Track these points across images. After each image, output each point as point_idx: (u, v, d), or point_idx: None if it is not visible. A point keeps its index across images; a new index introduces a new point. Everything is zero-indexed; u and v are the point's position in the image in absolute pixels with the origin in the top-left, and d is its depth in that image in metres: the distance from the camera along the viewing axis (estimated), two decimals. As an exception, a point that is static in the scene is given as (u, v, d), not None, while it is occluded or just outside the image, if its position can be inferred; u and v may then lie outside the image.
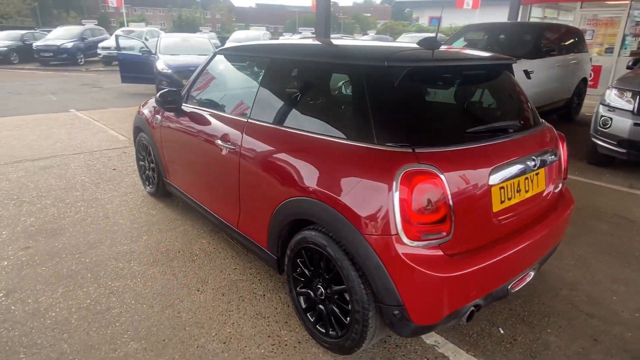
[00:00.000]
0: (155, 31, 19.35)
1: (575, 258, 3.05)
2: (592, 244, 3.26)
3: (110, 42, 16.97)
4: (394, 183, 1.66)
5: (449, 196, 1.71)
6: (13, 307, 2.37)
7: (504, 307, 2.49)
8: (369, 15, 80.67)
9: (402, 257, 1.67)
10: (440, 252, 1.73)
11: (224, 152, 2.56)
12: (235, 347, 2.12)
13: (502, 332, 2.28)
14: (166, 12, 58.70)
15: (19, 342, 2.11)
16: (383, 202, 1.68)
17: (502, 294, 2.00)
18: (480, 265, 1.80)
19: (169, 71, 10.25)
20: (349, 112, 1.98)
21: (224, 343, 2.14)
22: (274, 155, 2.22)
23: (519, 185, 2.01)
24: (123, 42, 11.85)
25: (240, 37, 18.47)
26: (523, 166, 1.98)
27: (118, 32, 18.20)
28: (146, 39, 16.32)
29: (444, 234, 1.71)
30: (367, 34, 27.93)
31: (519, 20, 11.56)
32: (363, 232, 1.74)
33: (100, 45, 17.55)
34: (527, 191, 2.07)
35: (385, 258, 1.70)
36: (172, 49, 11.39)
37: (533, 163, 2.02)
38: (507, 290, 2.00)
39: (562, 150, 2.40)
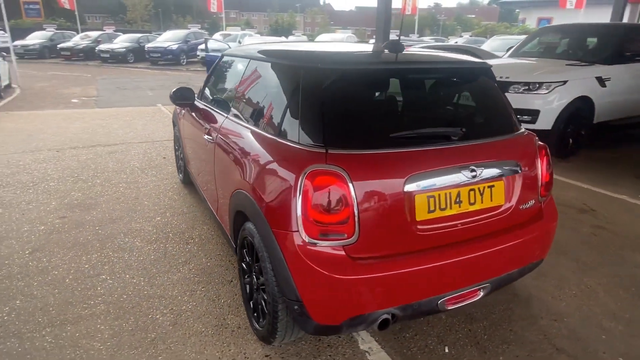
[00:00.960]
0: (250, 35, 20.73)
1: (580, 288, 2.71)
2: (612, 275, 2.86)
3: (210, 44, 18.67)
4: (299, 181, 1.71)
5: (354, 199, 1.70)
6: (30, 263, 2.86)
7: (463, 326, 2.34)
8: (472, 16, 76.75)
9: (300, 253, 1.71)
10: (343, 254, 1.73)
11: (207, 146, 2.79)
12: (183, 323, 2.32)
13: (447, 350, 2.16)
14: (271, 16, 62.33)
15: (21, 291, 2.55)
16: (288, 199, 1.74)
17: (429, 309, 1.91)
18: (389, 273, 1.76)
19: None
20: (285, 112, 2.06)
21: (174, 318, 2.35)
22: (230, 149, 2.39)
23: (458, 196, 1.90)
24: (213, 45, 12.97)
25: (324, 39, 19.00)
26: (457, 176, 1.86)
27: (216, 35, 19.90)
28: (239, 42, 17.61)
29: (345, 235, 1.71)
30: (461, 36, 26.62)
31: (625, 21, 10.19)
32: (272, 226, 1.81)
33: (199, 47, 19.34)
34: (472, 203, 1.94)
35: (286, 253, 1.76)
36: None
37: (473, 174, 1.89)
38: (437, 305, 1.90)
39: (541, 164, 2.18)
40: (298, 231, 1.72)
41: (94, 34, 22.22)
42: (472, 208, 1.95)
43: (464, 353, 2.15)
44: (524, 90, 5.42)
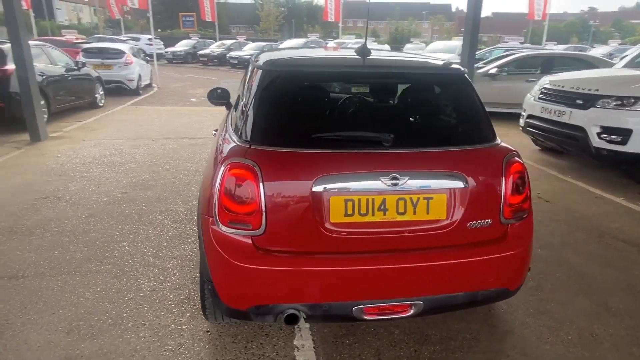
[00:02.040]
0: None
1: (581, 335, 2.32)
2: (636, 328, 2.37)
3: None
4: (220, 171, 1.87)
5: (262, 192, 1.79)
6: (80, 225, 3.51)
7: (411, 345, 2.22)
8: (637, 22, 65.60)
9: (213, 238, 1.87)
10: (250, 243, 1.83)
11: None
12: (159, 290, 2.64)
13: (379, 365, 2.09)
14: (391, 24, 62.07)
15: (63, 244, 3.18)
16: (212, 187, 1.91)
17: (343, 314, 1.89)
18: (295, 268, 1.81)
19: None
20: (238, 111, 2.21)
21: (155, 285, 2.69)
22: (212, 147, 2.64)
23: (383, 203, 1.84)
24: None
25: (438, 47, 18.35)
26: (375, 182, 1.81)
27: (330, 43, 20.73)
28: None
29: (251, 226, 1.81)
30: (608, 45, 23.03)
31: None
32: (201, 212, 2.00)
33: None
34: (400, 213, 1.86)
35: (205, 236, 1.93)
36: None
37: (394, 182, 1.81)
38: (352, 311, 1.87)
39: (506, 183, 1.96)
40: (214, 217, 1.87)
41: (228, 42, 25.02)
42: (401, 218, 1.87)
43: (395, 371, 2.05)
44: (615, 105, 4.65)
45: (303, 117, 2.05)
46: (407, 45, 27.66)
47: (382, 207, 1.84)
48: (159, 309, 2.45)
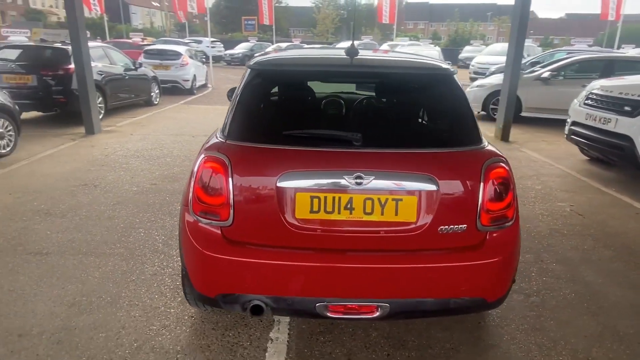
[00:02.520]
0: (417, 44, 20.70)
1: (575, 356, 2.16)
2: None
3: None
4: (197, 164, 1.97)
5: (230, 185, 1.86)
6: (108, 211, 3.81)
7: (386, 349, 2.19)
8: None
9: (186, 227, 1.97)
10: (219, 233, 1.91)
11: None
12: (160, 275, 2.81)
13: (345, 364, 2.08)
14: (450, 26, 59.99)
15: (87, 228, 3.47)
16: (190, 179, 2.02)
17: (307, 309, 1.91)
18: (259, 261, 1.86)
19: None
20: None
21: (157, 270, 2.87)
22: None
23: (350, 202, 1.84)
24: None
25: (495, 50, 17.62)
26: (339, 181, 1.81)
27: (384, 46, 20.53)
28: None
29: (219, 217, 1.89)
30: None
31: None
32: (182, 202, 2.12)
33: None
34: (367, 213, 1.85)
35: (181, 225, 2.04)
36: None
37: (358, 181, 1.80)
38: (315, 308, 1.89)
39: (484, 188, 1.88)
40: (189, 207, 1.98)
41: (284, 44, 25.61)
42: (368, 218, 1.86)
43: (362, 372, 2.04)
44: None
45: (277, 114, 2.10)
46: (466, 48, 26.74)
47: (348, 206, 1.85)
48: (155, 292, 2.61)
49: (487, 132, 7.53)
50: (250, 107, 2.05)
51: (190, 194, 1.95)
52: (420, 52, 12.96)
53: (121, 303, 2.49)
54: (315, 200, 1.85)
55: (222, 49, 27.03)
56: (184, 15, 23.99)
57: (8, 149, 5.43)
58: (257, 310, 1.91)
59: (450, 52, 26.30)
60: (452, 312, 2.01)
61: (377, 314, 1.90)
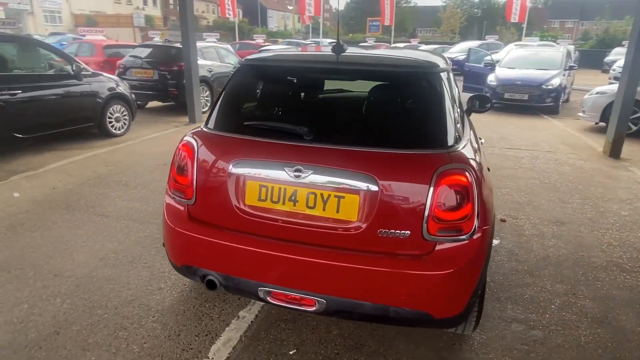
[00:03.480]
0: (550, 44, 18.53)
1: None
2: None
3: (499, 55, 18.02)
4: (177, 147, 2.22)
5: (195, 168, 2.07)
6: (169, 188, 4.38)
7: (338, 349, 2.17)
8: None
9: (165, 205, 2.24)
10: (185, 211, 2.13)
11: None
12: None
13: (291, 352, 2.13)
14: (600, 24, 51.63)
15: (146, 199, 4.05)
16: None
17: (251, 291, 2.01)
18: (210, 239, 2.03)
19: (494, 83, 10.49)
20: None
21: (181, 242, 3.24)
22: None
23: (294, 195, 1.89)
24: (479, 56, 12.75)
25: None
26: (280, 172, 1.86)
27: (510, 46, 18.86)
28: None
29: (184, 196, 2.11)
30: None
31: None
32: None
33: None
34: (310, 207, 1.88)
35: (164, 201, 2.31)
36: (514, 62, 11.33)
37: (297, 174, 1.83)
38: (257, 291, 1.99)
39: (434, 194, 1.76)
40: (168, 185, 2.24)
41: (401, 45, 25.26)
42: (310, 212, 1.89)
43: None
44: None
45: (250, 107, 2.22)
46: (615, 50, 23.02)
47: (292, 198, 1.90)
48: (167, 259, 2.97)
49: (596, 146, 6.51)
50: (229, 99, 2.22)
51: (169, 173, 2.20)
52: (539, 53, 11.66)
53: (137, 264, 2.91)
54: (263, 189, 1.94)
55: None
56: (308, 17, 25.34)
57: (122, 130, 6.54)
58: (211, 285, 2.09)
59: (594, 54, 22.87)
60: (394, 322, 1.91)
61: (315, 308, 1.92)
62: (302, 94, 2.34)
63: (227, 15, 20.16)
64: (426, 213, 1.77)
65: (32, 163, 5.04)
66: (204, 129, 2.15)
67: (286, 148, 1.94)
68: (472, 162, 1.90)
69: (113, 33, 24.86)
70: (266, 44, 19.46)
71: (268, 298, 1.98)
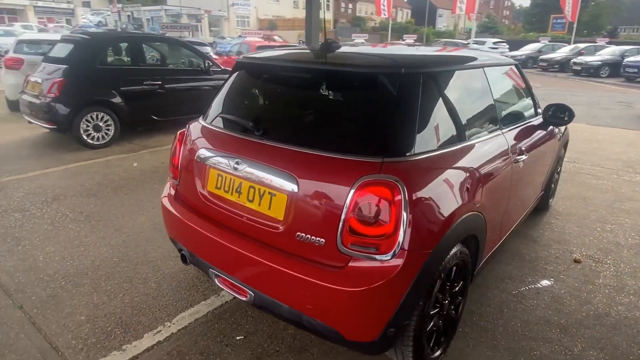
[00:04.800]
0: None
1: None
2: None
3: None
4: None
5: (181, 152, 2.32)
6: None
7: (281, 346, 2.17)
8: None
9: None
10: (173, 191, 2.41)
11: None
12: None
13: (237, 338, 2.23)
14: None
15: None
16: None
17: (204, 270, 2.18)
18: (181, 217, 2.26)
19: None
20: None
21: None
22: None
23: (240, 186, 1.98)
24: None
25: None
26: (227, 163, 1.96)
27: None
28: None
29: (172, 176, 2.38)
30: None
31: None
32: None
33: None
34: (250, 200, 1.95)
35: None
36: None
37: (235, 166, 1.91)
38: (209, 272, 2.15)
39: (351, 202, 1.64)
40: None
41: (583, 45, 21.62)
42: (249, 205, 1.95)
43: (245, 352, 2.14)
44: None
45: (231, 101, 2.32)
46: None
47: (238, 189, 1.99)
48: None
49: None
50: (219, 94, 2.39)
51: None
52: None
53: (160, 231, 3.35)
54: (220, 178, 2.08)
55: (507, 50, 25.26)
56: (476, 17, 23.76)
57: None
58: (183, 259, 2.33)
59: None
60: (311, 331, 1.83)
61: (247, 299, 1.98)
62: (274, 93, 2.35)
63: (383, 16, 20.41)
64: (341, 223, 1.65)
65: (162, 141, 6.15)
66: (199, 120, 2.39)
67: (236, 141, 2.03)
68: (415, 178, 1.68)
69: (288, 35, 27.81)
70: (416, 44, 19.08)
71: (216, 280, 2.11)
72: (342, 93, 1.97)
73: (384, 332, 1.68)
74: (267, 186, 1.86)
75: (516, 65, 3.05)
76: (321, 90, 1.98)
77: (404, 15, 61.91)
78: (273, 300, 1.86)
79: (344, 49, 2.20)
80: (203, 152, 2.14)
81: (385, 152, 1.70)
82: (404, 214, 1.61)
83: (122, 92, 5.76)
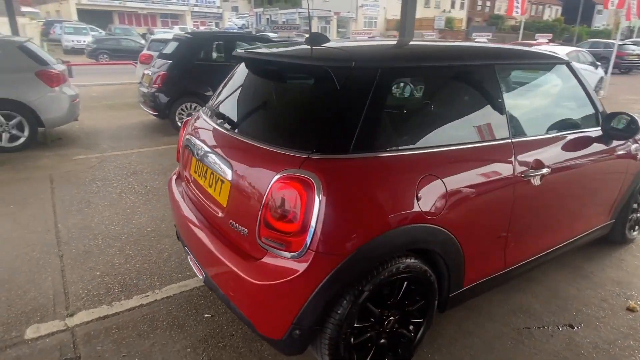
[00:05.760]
0: None
1: None
2: None
3: None
4: None
5: (182, 137, 2.53)
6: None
7: (207, 332, 2.23)
8: None
9: None
10: (176, 172, 2.64)
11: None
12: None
13: (206, 315, 2.35)
14: None
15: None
16: None
17: (184, 246, 2.36)
18: (172, 194, 2.47)
19: None
20: None
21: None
22: None
23: (205, 172, 2.10)
24: None
25: None
26: (199, 148, 2.10)
27: None
28: None
29: (177, 159, 2.61)
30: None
31: None
32: None
33: None
34: (210, 186, 2.06)
35: None
36: None
37: (204, 153, 2.03)
38: (185, 251, 2.32)
39: (267, 195, 1.64)
40: None
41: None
42: (209, 190, 2.06)
43: (205, 330, 2.26)
44: None
45: (226, 94, 2.40)
46: None
47: (206, 175, 2.11)
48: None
49: None
50: (223, 88, 2.52)
51: (180, 143, 2.76)
52: None
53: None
54: (199, 164, 2.22)
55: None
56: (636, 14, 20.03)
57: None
58: (177, 235, 2.55)
59: None
60: (239, 318, 1.85)
61: (202, 278, 2.10)
62: (241, 84, 2.34)
63: (515, 13, 18.59)
64: (259, 215, 1.65)
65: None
66: (200, 109, 2.57)
67: (207, 128, 2.15)
68: (340, 178, 1.58)
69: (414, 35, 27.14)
70: (549, 44, 16.86)
71: (188, 257, 2.28)
72: (293, 86, 1.93)
73: (289, 332, 1.62)
74: (218, 173, 1.94)
75: (568, 64, 2.56)
76: (276, 83, 1.98)
77: (552, 13, 55.27)
78: (214, 283, 1.94)
79: (329, 43, 2.15)
80: (189, 138, 2.31)
81: (315, 148, 1.63)
82: (316, 214, 1.53)
83: (214, 85, 6.38)
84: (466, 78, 2.09)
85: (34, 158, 5.11)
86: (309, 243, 1.54)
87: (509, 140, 2.09)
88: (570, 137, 2.43)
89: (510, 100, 2.17)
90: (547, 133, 2.34)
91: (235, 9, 50.34)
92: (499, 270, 2.22)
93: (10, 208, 3.68)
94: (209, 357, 2.06)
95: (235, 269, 1.72)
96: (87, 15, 31.83)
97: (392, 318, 1.84)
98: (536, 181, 2.15)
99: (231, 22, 39.21)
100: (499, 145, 2.04)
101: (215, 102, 2.32)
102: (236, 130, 1.95)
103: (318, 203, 1.53)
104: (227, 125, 2.02)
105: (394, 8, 42.87)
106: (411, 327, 1.97)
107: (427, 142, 1.84)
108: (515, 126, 2.14)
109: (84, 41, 22.12)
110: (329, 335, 1.67)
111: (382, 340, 1.86)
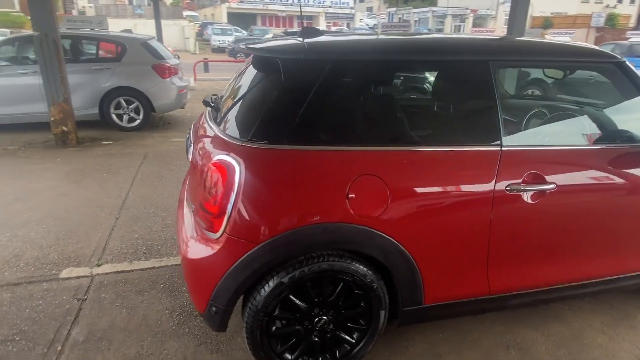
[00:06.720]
0: None
1: None
2: None
3: None
4: None
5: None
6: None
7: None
8: None
9: None
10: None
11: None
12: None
13: (172, 294, 2.56)
14: None
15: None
16: None
17: None
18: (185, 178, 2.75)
19: None
20: None
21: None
22: None
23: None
24: None
25: None
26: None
27: None
28: None
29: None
30: None
31: None
32: None
33: None
34: (194, 166, 2.26)
35: None
36: None
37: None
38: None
39: (203, 180, 1.76)
40: None
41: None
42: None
43: (169, 305, 2.48)
44: None
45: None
46: None
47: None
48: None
49: None
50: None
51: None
52: None
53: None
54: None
55: None
56: None
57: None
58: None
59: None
60: None
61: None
62: (236, 77, 2.39)
63: None
64: (199, 195, 1.77)
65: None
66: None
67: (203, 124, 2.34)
68: (267, 167, 1.62)
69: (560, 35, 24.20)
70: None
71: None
72: (256, 77, 1.97)
73: (208, 307, 1.71)
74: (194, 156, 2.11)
75: (620, 64, 2.06)
76: (248, 74, 2.06)
77: None
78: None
79: (322, 37, 2.14)
80: (193, 126, 2.54)
81: (251, 137, 1.68)
82: (232, 199, 1.59)
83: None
84: (448, 75, 1.89)
85: (143, 137, 6.06)
86: (224, 226, 1.61)
87: (497, 148, 1.81)
88: (602, 148, 2.00)
89: (505, 101, 1.89)
90: (564, 143, 1.97)
91: (369, 9, 50.94)
92: (480, 294, 1.96)
93: (103, 175, 4.46)
94: (180, 321, 2.27)
95: (183, 244, 1.88)
96: (236, 18, 35.71)
97: (324, 317, 1.79)
98: (534, 199, 1.83)
99: (362, 22, 39.83)
100: (474, 152, 1.80)
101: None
102: (214, 119, 2.09)
103: (236, 188, 1.59)
104: (211, 113, 2.19)
105: (544, 4, 38.50)
106: (355, 335, 1.89)
107: (375, 141, 1.73)
108: (507, 130, 1.86)
109: (227, 41, 24.92)
110: (246, 319, 1.72)
111: (315, 339, 1.82)
